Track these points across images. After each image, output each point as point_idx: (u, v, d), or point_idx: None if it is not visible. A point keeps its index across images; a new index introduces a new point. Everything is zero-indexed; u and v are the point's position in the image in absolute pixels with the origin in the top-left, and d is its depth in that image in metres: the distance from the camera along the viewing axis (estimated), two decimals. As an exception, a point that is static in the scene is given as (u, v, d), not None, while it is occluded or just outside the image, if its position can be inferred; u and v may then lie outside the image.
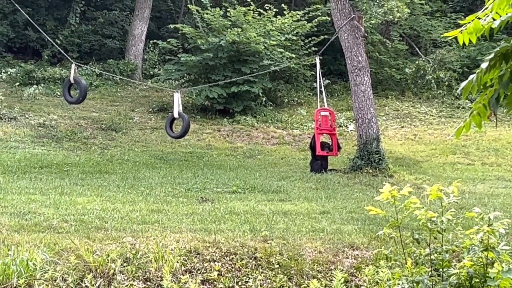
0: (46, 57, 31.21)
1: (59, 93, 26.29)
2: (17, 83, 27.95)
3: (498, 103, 5.05)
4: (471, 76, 5.02)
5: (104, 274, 8.90)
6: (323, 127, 18.84)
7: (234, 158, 21.19)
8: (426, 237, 7.72)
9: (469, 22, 5.17)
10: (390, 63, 31.76)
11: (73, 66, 17.24)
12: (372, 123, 18.96)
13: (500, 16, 4.94)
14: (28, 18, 21.56)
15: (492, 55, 4.71)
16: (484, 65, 4.86)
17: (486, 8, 5.06)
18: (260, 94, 26.40)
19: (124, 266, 9.02)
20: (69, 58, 19.86)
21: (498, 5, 4.82)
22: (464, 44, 5.36)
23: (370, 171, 18.17)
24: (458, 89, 5.43)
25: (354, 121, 20.34)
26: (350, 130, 24.86)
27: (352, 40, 19.16)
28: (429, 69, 30.60)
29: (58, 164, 18.00)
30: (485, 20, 5.06)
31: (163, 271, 8.84)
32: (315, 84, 25.72)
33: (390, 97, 30.12)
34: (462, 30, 5.16)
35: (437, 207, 8.22)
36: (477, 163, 21.17)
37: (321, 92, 19.26)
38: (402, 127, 26.31)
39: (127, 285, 8.85)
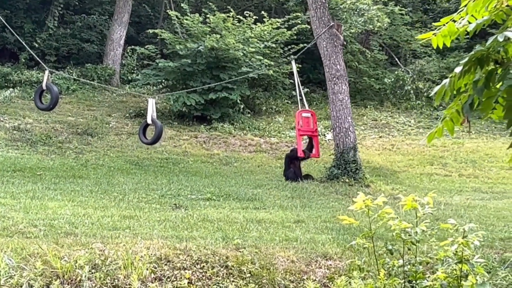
0: (24, 60, 30.87)
1: (34, 97, 26.06)
2: (-7, 86, 27.67)
3: (472, 109, 4.88)
4: (444, 81, 4.87)
5: (71, 280, 8.69)
6: (304, 128, 18.52)
7: (210, 165, 21.02)
8: (400, 248, 7.60)
9: (444, 25, 5.01)
10: (369, 73, 31.76)
11: (46, 72, 16.97)
12: (349, 132, 18.82)
13: (476, 19, 4.78)
14: (4, 22, 21.19)
15: (466, 59, 4.56)
16: (458, 69, 4.69)
17: (461, 11, 4.91)
18: (238, 102, 26.24)
19: (92, 273, 8.81)
20: (43, 64, 19.53)
21: (474, 8, 4.67)
22: (443, 54, 5.24)
23: (347, 180, 18.03)
24: (431, 93, 5.24)
25: (332, 130, 20.15)
26: (328, 139, 24.72)
27: (331, 48, 19.03)
28: (408, 79, 30.67)
29: (32, 168, 17.75)
30: (460, 23, 4.91)
31: (131, 278, 8.65)
32: (294, 92, 25.64)
33: (368, 106, 30.11)
34: (435, 33, 5.00)
35: (412, 218, 8.09)
36: (454, 175, 21.12)
37: (300, 95, 18.92)
38: (380, 137, 26.23)
39: (94, 292, 8.66)
